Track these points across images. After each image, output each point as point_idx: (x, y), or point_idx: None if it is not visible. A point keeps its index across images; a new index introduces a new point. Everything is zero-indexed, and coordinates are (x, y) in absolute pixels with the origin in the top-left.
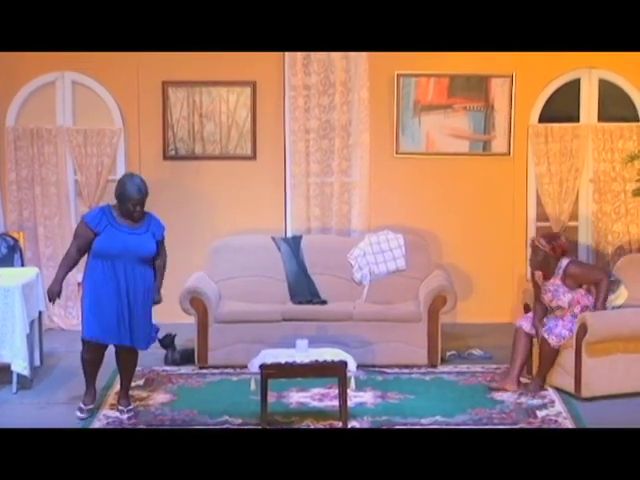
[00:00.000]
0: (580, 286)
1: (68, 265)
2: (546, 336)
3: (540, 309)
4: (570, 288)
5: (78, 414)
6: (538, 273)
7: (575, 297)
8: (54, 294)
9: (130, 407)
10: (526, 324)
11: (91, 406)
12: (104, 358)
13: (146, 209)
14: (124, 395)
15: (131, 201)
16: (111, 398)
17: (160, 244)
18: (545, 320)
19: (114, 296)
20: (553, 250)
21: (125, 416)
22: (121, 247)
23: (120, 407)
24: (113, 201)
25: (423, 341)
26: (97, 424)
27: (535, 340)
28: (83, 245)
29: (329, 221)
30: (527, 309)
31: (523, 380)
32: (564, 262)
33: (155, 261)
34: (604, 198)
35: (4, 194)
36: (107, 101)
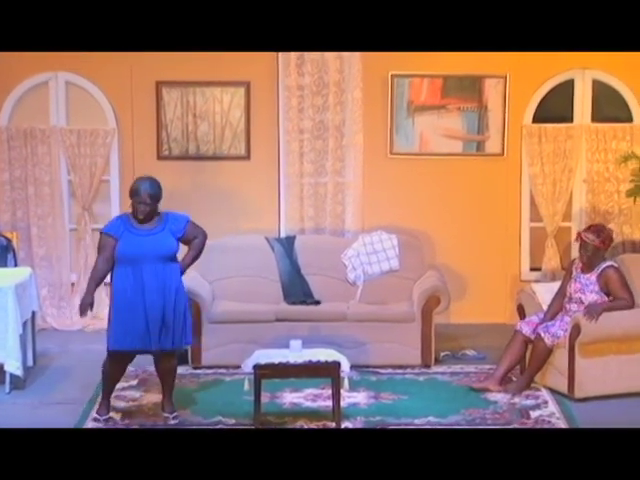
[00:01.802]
0: (608, 295)
1: (97, 278)
2: (542, 334)
3: (557, 304)
4: (600, 289)
5: (96, 424)
6: (579, 263)
7: (598, 301)
8: (86, 306)
9: (175, 414)
10: (526, 328)
11: (107, 416)
12: (126, 370)
13: None
14: (167, 402)
15: (135, 198)
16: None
17: (189, 229)
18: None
19: (140, 301)
20: (603, 242)
21: (172, 422)
22: (139, 250)
23: (165, 414)
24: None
25: (417, 341)
26: (90, 424)
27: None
28: (109, 255)
29: (323, 221)
30: (521, 310)
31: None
32: (607, 263)
33: (191, 243)
34: (597, 198)
35: None
36: (100, 101)
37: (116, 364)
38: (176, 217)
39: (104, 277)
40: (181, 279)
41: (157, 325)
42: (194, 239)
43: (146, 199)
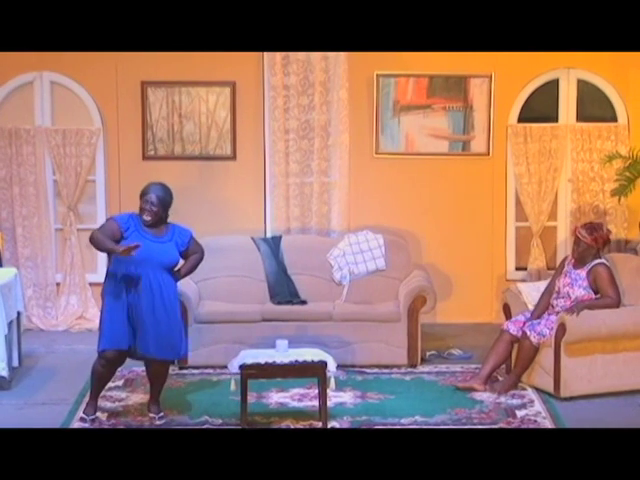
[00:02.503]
0: (597, 292)
1: (106, 237)
2: (528, 332)
3: (545, 303)
4: (589, 285)
5: (82, 424)
6: (571, 259)
7: (585, 297)
8: (127, 249)
9: (161, 414)
10: (512, 327)
11: (93, 416)
12: (115, 373)
13: (128, 209)
14: (154, 403)
15: (142, 199)
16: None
17: (192, 244)
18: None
19: (136, 303)
20: (595, 241)
21: (158, 422)
22: (145, 254)
23: (151, 414)
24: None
25: (403, 341)
26: (76, 424)
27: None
28: (109, 238)
29: (309, 221)
30: (506, 310)
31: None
32: (597, 260)
33: (188, 257)
34: (583, 198)
35: None
36: (86, 101)
37: (106, 366)
38: (181, 230)
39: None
40: (177, 291)
41: (153, 332)
42: (193, 254)
43: (153, 200)
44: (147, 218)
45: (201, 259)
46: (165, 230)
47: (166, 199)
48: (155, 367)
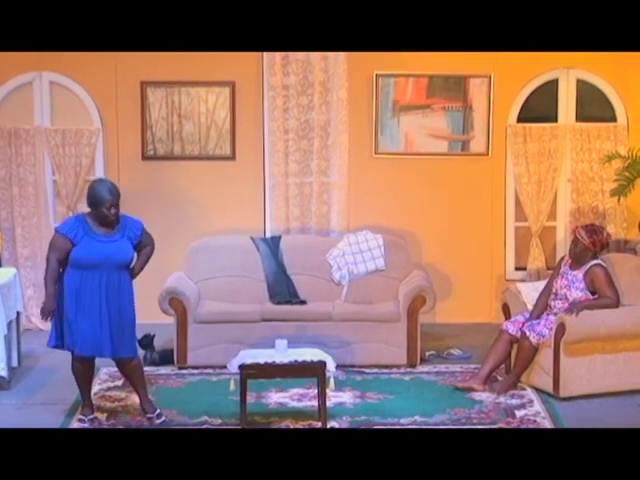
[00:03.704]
0: (594, 293)
1: (54, 279)
2: (527, 333)
3: (543, 303)
4: (586, 287)
5: (81, 424)
6: (568, 260)
7: (583, 298)
8: (48, 312)
9: (158, 411)
10: (511, 327)
11: (92, 416)
12: (95, 366)
13: (126, 210)
14: (146, 402)
15: (104, 204)
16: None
17: (144, 236)
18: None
19: (95, 307)
20: (592, 244)
21: (157, 422)
22: (99, 256)
23: (148, 415)
24: (86, 210)
25: (402, 341)
26: (76, 424)
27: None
28: (62, 257)
29: (308, 221)
30: (506, 310)
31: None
32: (594, 261)
33: (141, 251)
34: (582, 198)
35: None
36: (85, 101)
37: (84, 362)
38: (133, 222)
39: (58, 278)
40: (133, 290)
41: (114, 332)
42: (145, 247)
43: (117, 201)
44: (113, 220)
45: (152, 252)
46: (116, 226)
47: (119, 194)
48: (123, 365)
